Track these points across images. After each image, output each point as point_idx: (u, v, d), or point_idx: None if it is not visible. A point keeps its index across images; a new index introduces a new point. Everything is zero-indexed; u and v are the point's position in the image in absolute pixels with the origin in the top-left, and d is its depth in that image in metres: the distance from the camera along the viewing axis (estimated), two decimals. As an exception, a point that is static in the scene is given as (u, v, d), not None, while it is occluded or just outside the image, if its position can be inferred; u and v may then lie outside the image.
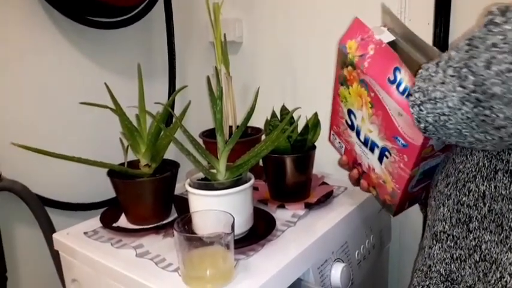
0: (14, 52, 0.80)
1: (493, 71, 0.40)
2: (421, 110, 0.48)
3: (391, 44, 0.60)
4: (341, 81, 0.63)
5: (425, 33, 0.83)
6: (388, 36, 0.60)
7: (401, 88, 0.53)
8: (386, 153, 0.61)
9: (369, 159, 0.66)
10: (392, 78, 0.54)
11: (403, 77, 0.53)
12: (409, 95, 0.51)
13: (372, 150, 0.64)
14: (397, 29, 0.61)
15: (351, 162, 0.72)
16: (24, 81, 0.82)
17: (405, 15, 0.85)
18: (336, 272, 0.72)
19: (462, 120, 0.45)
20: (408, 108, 0.52)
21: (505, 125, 0.42)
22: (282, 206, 0.81)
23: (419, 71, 0.49)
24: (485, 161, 0.51)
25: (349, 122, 0.67)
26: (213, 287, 0.58)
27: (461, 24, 0.80)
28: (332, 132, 0.74)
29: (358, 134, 0.66)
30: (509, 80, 0.39)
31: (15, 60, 0.80)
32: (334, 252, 0.75)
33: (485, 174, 0.51)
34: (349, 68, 0.59)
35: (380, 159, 0.63)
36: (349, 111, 0.65)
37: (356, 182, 0.73)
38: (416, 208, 0.74)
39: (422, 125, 0.50)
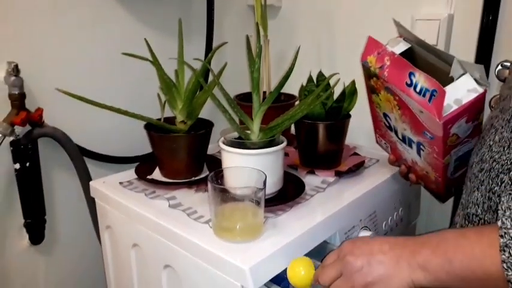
0: (56, 5, 0.81)
1: None
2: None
3: (409, 50, 0.68)
4: (371, 90, 0.71)
5: (475, 4, 0.80)
6: (404, 45, 0.68)
7: (418, 89, 0.59)
8: (421, 146, 0.65)
9: (410, 154, 0.70)
10: (409, 82, 0.60)
11: (418, 79, 0.59)
12: (426, 93, 0.56)
13: (410, 145, 0.69)
14: (411, 37, 0.69)
15: (398, 159, 0.77)
16: (67, 34, 0.84)
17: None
18: (362, 239, 0.73)
19: None
20: (426, 105, 0.57)
21: None
22: (312, 172, 0.81)
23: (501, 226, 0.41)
24: None
25: (387, 124, 0.73)
26: (242, 240, 0.59)
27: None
28: (377, 135, 0.81)
29: (396, 133, 0.71)
30: None
31: (58, 13, 0.82)
32: (362, 220, 0.75)
33: None
34: (374, 78, 0.67)
35: (418, 153, 0.67)
36: (385, 115, 0.72)
37: (406, 177, 0.77)
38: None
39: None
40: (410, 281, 0.46)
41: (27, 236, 0.85)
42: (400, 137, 0.70)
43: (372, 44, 0.67)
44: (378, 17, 0.92)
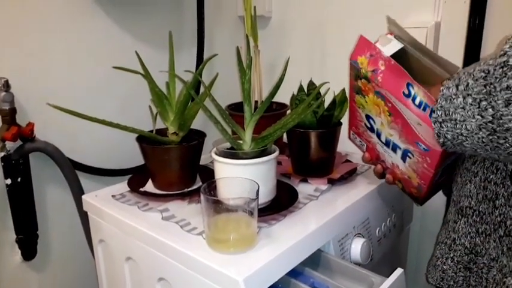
0: (45, 19, 0.82)
1: (511, 109, 0.43)
2: (441, 127, 0.52)
3: (401, 51, 0.63)
4: (356, 90, 0.66)
5: (461, 12, 0.81)
6: (396, 45, 0.63)
7: (417, 101, 0.56)
8: (409, 154, 0.63)
9: (392, 157, 0.68)
10: (406, 92, 0.57)
11: (417, 91, 0.56)
12: (426, 108, 0.55)
13: (394, 150, 0.66)
14: (404, 36, 0.63)
15: (374, 159, 0.74)
16: (56, 47, 0.84)
17: (441, -9, 0.83)
18: (356, 246, 0.73)
19: (478, 143, 0.49)
20: (427, 119, 0.55)
21: None
22: (304, 180, 0.81)
23: (442, 88, 0.51)
24: None
25: (369, 125, 0.69)
26: (236, 251, 0.59)
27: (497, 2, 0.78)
28: (351, 131, 0.76)
29: (378, 136, 0.68)
30: None
31: (47, 26, 0.82)
32: (356, 227, 0.75)
33: None
34: (363, 80, 0.62)
35: (403, 159, 0.65)
36: (367, 116, 0.68)
37: (381, 176, 0.76)
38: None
39: (441, 140, 0.53)
40: None
41: (19, 252, 0.85)
42: (384, 140, 0.67)
43: (364, 44, 0.62)
44: (366, 27, 0.93)
